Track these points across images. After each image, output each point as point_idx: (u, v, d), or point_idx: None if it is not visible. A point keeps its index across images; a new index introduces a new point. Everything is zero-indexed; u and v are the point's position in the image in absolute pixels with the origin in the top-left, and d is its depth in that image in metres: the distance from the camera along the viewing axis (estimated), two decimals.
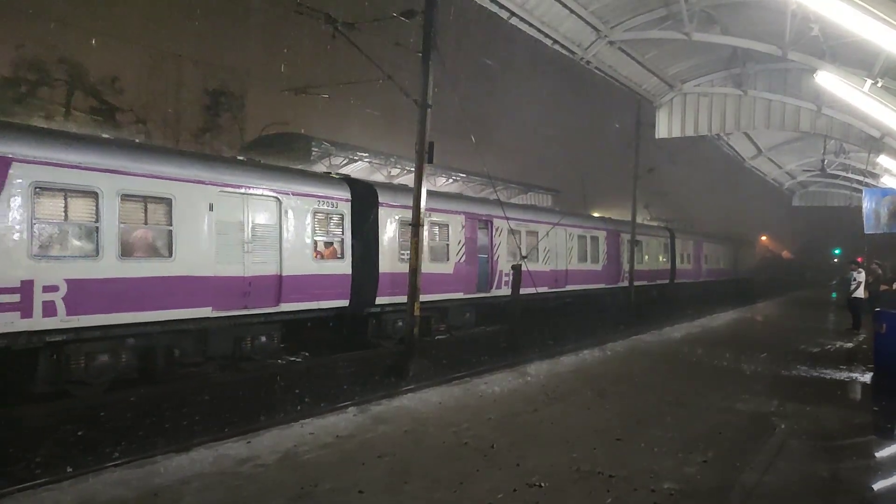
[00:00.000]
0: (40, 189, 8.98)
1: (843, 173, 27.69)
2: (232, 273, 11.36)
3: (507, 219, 16.78)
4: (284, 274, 12.23)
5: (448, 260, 16.64)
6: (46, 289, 8.93)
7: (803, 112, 18.58)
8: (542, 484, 5.66)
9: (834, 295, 36.61)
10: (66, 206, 9.32)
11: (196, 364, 11.48)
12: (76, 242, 9.50)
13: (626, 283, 25.94)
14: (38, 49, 25.60)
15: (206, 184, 11.07)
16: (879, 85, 10.74)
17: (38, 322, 8.84)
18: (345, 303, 13.55)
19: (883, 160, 18.73)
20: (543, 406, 8.61)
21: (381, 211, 14.63)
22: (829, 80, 11.52)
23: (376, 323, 14.92)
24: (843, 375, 11.77)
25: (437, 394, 9.24)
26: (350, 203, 13.87)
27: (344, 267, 13.57)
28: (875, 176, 23.81)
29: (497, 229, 18.28)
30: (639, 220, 27.51)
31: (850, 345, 15.83)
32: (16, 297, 8.61)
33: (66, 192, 9.29)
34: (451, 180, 28.45)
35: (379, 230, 14.59)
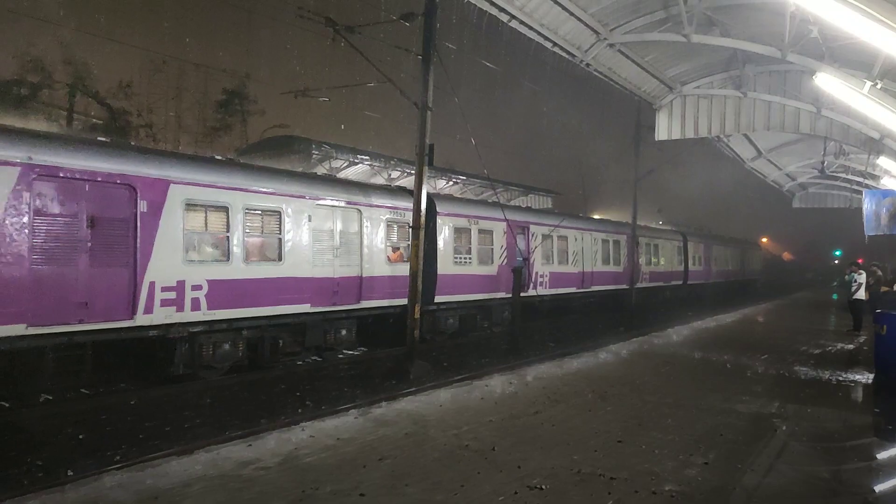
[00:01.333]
0: (189, 205, 10.80)
1: (843, 175, 27.68)
2: (325, 275, 13.06)
3: (542, 225, 19.42)
4: (364, 275, 13.90)
5: (493, 263, 18.08)
6: (194, 287, 10.75)
7: (803, 114, 18.59)
8: (544, 486, 5.67)
9: (835, 296, 36.62)
10: (206, 219, 11.16)
11: (294, 353, 13.14)
12: (213, 249, 11.34)
13: (644, 284, 27.00)
14: (40, 51, 25.69)
15: (306, 198, 12.79)
16: (879, 86, 10.75)
17: (188, 315, 10.65)
18: (389, 302, 14.62)
19: (883, 161, 18.74)
20: (544, 408, 8.62)
21: (439, 219, 16.13)
22: (828, 82, 11.54)
23: (431, 320, 16.05)
24: (843, 377, 11.77)
25: (437, 396, 9.24)
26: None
27: (404, 270, 14.41)
28: (875, 177, 23.82)
29: (533, 235, 19.90)
30: (652, 224, 28.34)
31: (850, 346, 15.83)
32: (172, 294, 10.42)
33: (207, 207, 11.13)
34: (451, 182, 28.45)
35: (437, 236, 16.08)
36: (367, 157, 24.08)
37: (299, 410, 9.48)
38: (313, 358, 13.61)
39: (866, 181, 24.51)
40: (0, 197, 8.62)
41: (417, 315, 12.47)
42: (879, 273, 22.22)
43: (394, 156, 25.10)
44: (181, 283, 10.53)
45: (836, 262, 62.46)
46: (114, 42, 34.65)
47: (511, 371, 11.30)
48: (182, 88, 32.25)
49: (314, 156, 22.24)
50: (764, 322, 22.41)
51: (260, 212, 11.97)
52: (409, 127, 13.06)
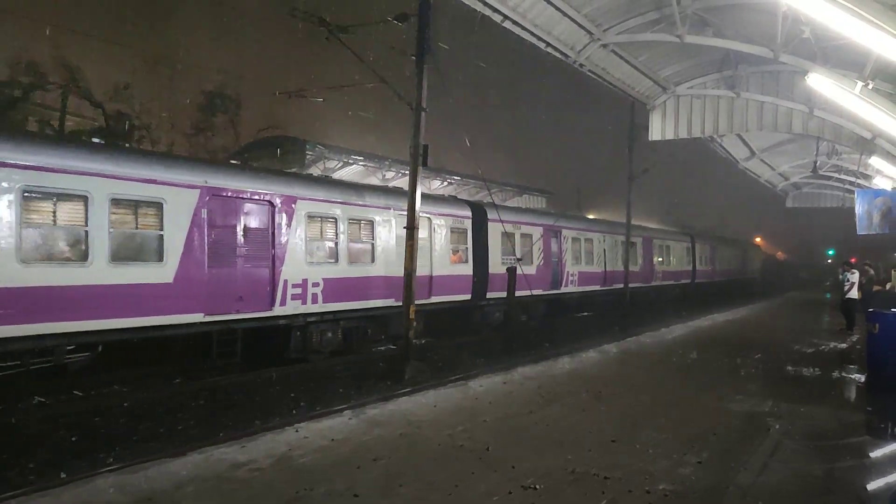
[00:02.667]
0: (309, 216, 12.90)
1: (836, 174, 27.84)
2: (401, 274, 14.10)
3: (572, 229, 22.04)
4: (434, 274, 15.92)
5: (532, 263, 19.98)
6: (314, 284, 12.86)
7: (795, 114, 18.69)
8: (538, 486, 5.67)
9: (828, 295, 36.79)
10: (321, 228, 13.33)
11: (377, 341, 15.18)
12: (325, 252, 13.39)
13: (657, 283, 29.26)
14: (33, 52, 25.55)
15: (392, 210, 14.77)
16: (870, 87, 10.79)
17: (309, 307, 12.78)
18: (468, 297, 17.21)
19: (875, 161, 18.83)
20: (538, 408, 8.62)
21: (490, 225, 17.97)
22: (820, 83, 11.57)
23: (481, 313, 18.10)
24: (836, 375, 11.83)
25: (432, 397, 9.24)
26: (471, 220, 17.56)
27: (468, 269, 17.25)
28: (867, 177, 23.96)
29: (564, 238, 21.98)
30: (661, 226, 30.77)
31: (843, 345, 15.90)
32: (299, 290, 12.55)
33: (322, 218, 13.30)
34: (445, 183, 28.47)
35: (488, 240, 18.01)
36: (360, 158, 24.07)
37: (293, 411, 9.46)
38: (389, 346, 15.51)
39: (859, 181, 24.65)
40: (188, 211, 10.79)
41: (412, 316, 12.46)
42: (871, 272, 22.34)
43: (388, 156, 25.09)
44: (305, 281, 12.68)
45: (830, 261, 62.76)
46: (107, 43, 34.46)
47: (506, 371, 11.30)
48: (175, 89, 32.14)
49: (308, 156, 22.21)
50: (757, 321, 22.48)
51: (359, 221, 14.11)
52: (404, 127, 13.08)
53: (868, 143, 17.85)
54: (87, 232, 9.56)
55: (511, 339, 15.82)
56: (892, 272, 24.93)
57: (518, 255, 18.40)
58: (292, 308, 12.45)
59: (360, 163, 24.04)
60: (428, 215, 15.49)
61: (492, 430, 7.48)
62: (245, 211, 11.82)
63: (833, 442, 7.50)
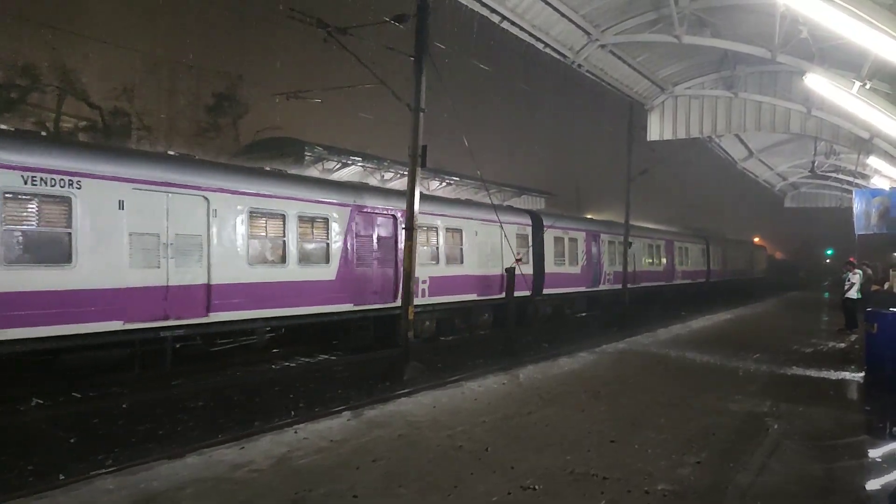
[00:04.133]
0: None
1: (834, 174, 27.87)
2: (484, 272, 18.08)
3: (609, 233, 25.09)
4: (504, 273, 18.18)
5: (577, 264, 22.95)
6: (423, 281, 15.42)
7: (793, 114, 18.70)
8: (537, 486, 5.67)
9: (826, 295, 36.84)
10: (427, 235, 16.06)
11: (461, 329, 17.74)
12: (430, 255, 16.18)
13: (679, 281, 31.85)
14: (30, 54, 25.54)
15: (474, 220, 17.83)
16: (868, 87, 10.80)
17: (419, 300, 14.79)
18: (528, 293, 19.62)
19: (873, 161, 18.85)
20: (538, 408, 8.63)
21: (546, 232, 20.93)
22: (818, 83, 11.59)
23: (534, 308, 20.71)
24: (835, 375, 11.84)
25: (431, 397, 9.24)
26: (531, 227, 20.53)
27: (528, 269, 19.47)
28: (865, 177, 23.99)
29: (602, 241, 24.76)
30: (675, 228, 33.96)
31: (842, 345, 15.92)
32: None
33: (428, 228, 16.02)
34: (444, 183, 28.47)
35: (544, 244, 20.76)
36: (359, 159, 24.07)
37: (292, 412, 9.44)
38: (466, 335, 17.88)
39: (857, 181, 24.68)
40: (343, 225, 13.82)
41: (411, 316, 12.45)
42: (869, 272, 22.35)
43: (387, 157, 25.10)
44: (416, 279, 14.05)
45: (828, 261, 62.81)
46: (107, 44, 34.44)
47: (505, 372, 11.31)
48: (175, 90, 32.16)
49: (307, 157, 22.21)
50: (757, 321, 22.51)
51: (452, 229, 17.00)
52: (403, 128, 13.16)
53: (866, 143, 17.87)
54: (285, 242, 12.59)
55: (556, 330, 15.99)
56: (891, 272, 24.96)
57: (563, 257, 21.86)
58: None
59: (359, 163, 24.04)
60: (501, 224, 17.60)
61: (491, 430, 7.48)
62: (378, 223, 14.73)
63: (832, 442, 7.51)
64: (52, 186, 9.19)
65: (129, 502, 5.29)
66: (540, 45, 14.99)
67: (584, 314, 24.15)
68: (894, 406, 9.73)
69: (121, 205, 9.94)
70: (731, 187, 46.50)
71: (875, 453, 7.40)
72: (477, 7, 13.02)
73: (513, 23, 13.74)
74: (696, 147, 25.53)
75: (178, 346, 11.07)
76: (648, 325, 19.43)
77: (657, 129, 20.69)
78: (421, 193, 14.77)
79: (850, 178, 25.77)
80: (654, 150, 24.17)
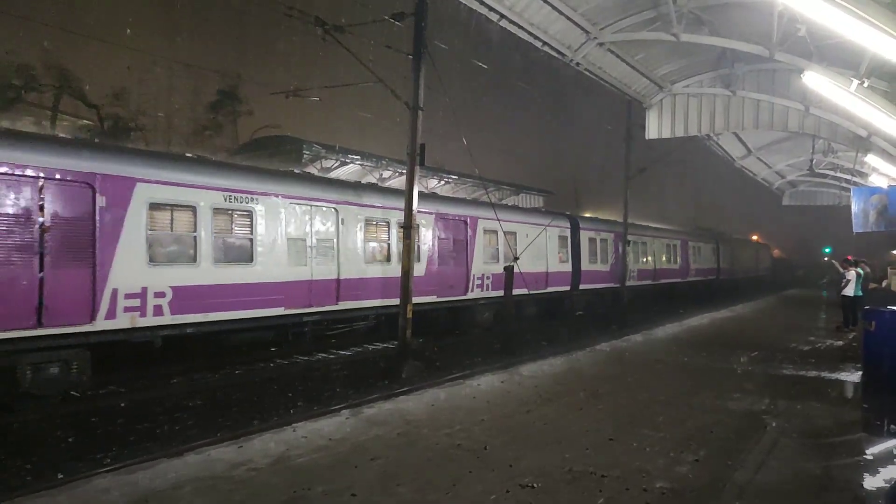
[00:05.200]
0: (484, 230, 18.08)
1: (832, 172, 27.90)
2: (532, 270, 19.62)
3: (633, 234, 26.63)
4: (549, 271, 21.26)
5: (607, 262, 25.38)
6: (487, 278, 18.17)
7: (791, 112, 18.72)
8: (535, 485, 5.68)
9: (825, 293, 36.90)
10: (489, 238, 18.52)
11: (524, 318, 19.69)
12: (492, 256, 18.66)
13: (692, 278, 34.00)
14: (27, 53, 25.48)
15: (524, 223, 20.30)
16: (866, 85, 10.81)
17: (483, 293, 18.02)
18: (568, 288, 22.44)
19: (871, 159, 18.86)
20: (536, 407, 8.64)
21: (581, 233, 23.47)
22: (816, 81, 11.59)
23: (571, 302, 23.01)
24: (833, 373, 11.85)
25: (430, 396, 9.25)
26: (570, 230, 22.90)
27: (568, 267, 22.52)
28: (863, 175, 24.01)
29: (630, 242, 26.26)
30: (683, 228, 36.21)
31: (840, 343, 15.95)
32: (479, 282, 17.88)
33: (489, 231, 18.29)
34: (442, 182, 28.46)
35: (580, 244, 23.28)
36: (357, 157, 24.05)
37: (291, 411, 9.44)
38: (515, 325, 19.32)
39: (854, 179, 24.69)
40: (429, 229, 16.24)
41: (410, 314, 12.46)
42: (868, 270, 22.37)
43: (385, 155, 25.07)
44: (483, 275, 17.96)
45: (826, 258, 62.86)
46: (102, 42, 34.36)
47: (503, 370, 11.32)
48: (172, 89, 32.10)
49: (305, 156, 22.20)
50: (755, 319, 22.54)
51: (508, 233, 18.81)
52: (401, 126, 13.22)
53: (864, 141, 17.88)
54: (389, 244, 15.16)
55: (509, 339, 15.86)
56: (889, 270, 25.00)
57: (596, 256, 24.38)
58: (476, 294, 17.87)
59: (358, 162, 24.01)
60: (544, 226, 20.65)
61: (489, 429, 7.49)
62: (451, 228, 17.12)
63: (830, 439, 7.52)
64: (242, 203, 11.80)
65: (127, 501, 5.28)
66: (538, 44, 14.99)
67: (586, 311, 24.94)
68: (892, 404, 9.75)
69: (282, 216, 12.54)
70: (729, 185, 46.85)
71: (872, 451, 7.42)
72: (475, 5, 13.01)
73: (511, 21, 13.74)
74: (694, 145, 25.56)
75: (305, 329, 13.41)
76: (647, 323, 19.46)
77: (655, 127, 20.71)
78: (483, 202, 19.10)
79: (848, 177, 25.79)
80: (653, 147, 24.23)
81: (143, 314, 10.15)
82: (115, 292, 9.74)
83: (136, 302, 10.05)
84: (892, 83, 11.99)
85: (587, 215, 28.70)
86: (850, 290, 18.06)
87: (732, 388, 10.16)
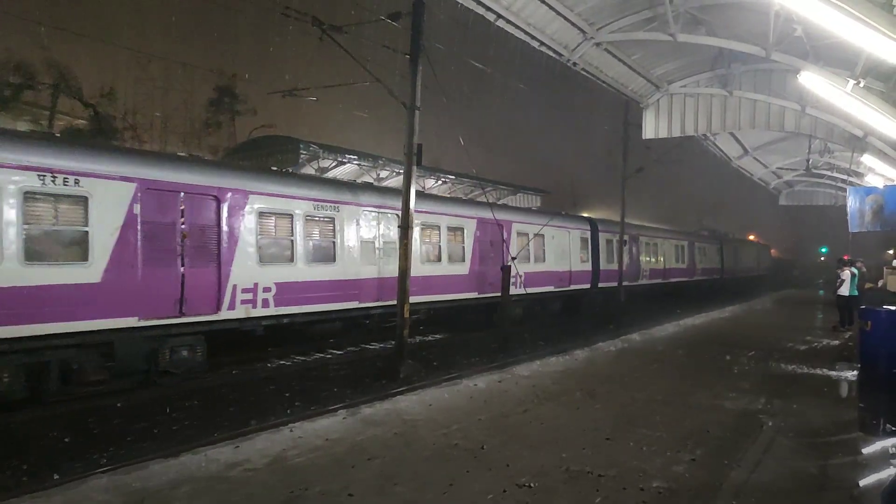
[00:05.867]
0: (517, 234, 19.82)
1: (828, 172, 27.95)
2: (557, 269, 22.04)
3: (646, 236, 29.36)
4: (572, 270, 22.97)
5: (632, 261, 27.46)
6: (520, 276, 19.13)
7: (788, 112, 18.75)
8: (532, 484, 5.68)
9: (821, 292, 36.99)
10: (522, 240, 19.92)
11: (548, 313, 21.75)
12: (524, 256, 19.86)
13: (699, 277, 35.46)
14: (24, 52, 25.39)
15: (550, 226, 21.55)
16: (862, 85, 10.83)
17: (516, 291, 18.37)
18: (588, 286, 24.02)
19: (867, 159, 18.90)
20: (533, 406, 8.64)
21: (600, 235, 25.14)
22: (812, 81, 11.61)
23: (588, 299, 24.32)
24: (829, 373, 11.88)
25: (427, 395, 9.24)
26: (590, 232, 24.59)
27: (588, 266, 24.30)
28: (859, 175, 24.07)
29: (641, 243, 28.92)
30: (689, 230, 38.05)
31: (836, 342, 15.99)
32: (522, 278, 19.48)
33: (521, 234, 20.00)
34: (439, 182, 28.43)
35: (599, 245, 24.97)
36: (355, 157, 24.01)
37: (288, 411, 9.44)
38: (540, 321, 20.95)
39: (851, 178, 24.76)
40: (472, 233, 17.81)
41: (407, 314, 12.45)
42: (864, 269, 22.42)
43: (382, 155, 25.03)
44: (515, 275, 18.76)
45: (823, 258, 63.03)
46: (99, 42, 34.28)
47: (500, 370, 11.32)
48: (168, 88, 32.03)
49: (302, 156, 22.15)
50: (752, 318, 22.58)
51: (538, 235, 20.67)
52: (397, 126, 13.27)
53: (860, 141, 17.92)
54: (440, 246, 16.54)
55: (506, 339, 15.87)
56: (884, 269, 25.06)
57: (612, 256, 25.85)
58: (510, 291, 18.22)
59: (355, 162, 23.97)
60: (569, 229, 22.71)
61: (487, 428, 7.49)
62: (490, 231, 18.38)
63: (826, 439, 7.54)
64: (327, 211, 13.42)
65: (123, 502, 5.27)
66: (535, 44, 14.98)
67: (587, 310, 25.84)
68: (888, 403, 9.78)
69: (357, 221, 14.16)
70: (726, 185, 47.02)
71: (868, 450, 7.44)
72: (472, 5, 13.00)
73: (508, 21, 13.73)
74: (691, 145, 25.60)
75: (367, 321, 14.98)
76: (644, 323, 19.47)
77: (652, 127, 20.73)
78: (516, 208, 21.53)
79: (845, 176, 25.86)
80: (650, 147, 24.27)
81: (255, 306, 11.90)
82: (234, 287, 11.53)
83: (250, 295, 11.84)
84: (888, 83, 12.01)
85: (603, 218, 29.48)
86: (845, 290, 18.11)
87: (729, 387, 10.18)
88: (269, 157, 22.36)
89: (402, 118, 12.63)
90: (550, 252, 21.60)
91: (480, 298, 18.00)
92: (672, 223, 39.17)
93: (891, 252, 33.99)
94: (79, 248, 9.49)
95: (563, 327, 19.61)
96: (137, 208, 10.07)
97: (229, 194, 11.51)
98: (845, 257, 19.23)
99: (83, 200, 9.51)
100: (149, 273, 10.17)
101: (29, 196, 8.97)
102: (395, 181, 22.77)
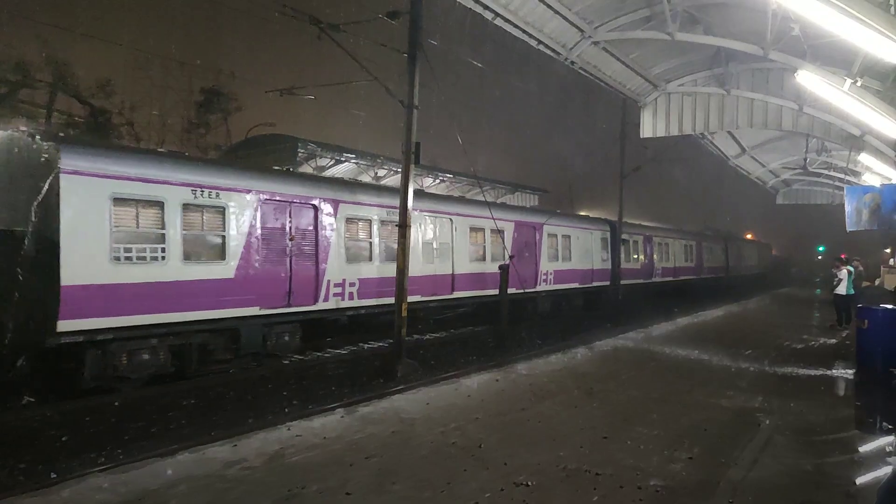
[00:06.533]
0: (548, 235, 21.65)
1: (826, 171, 28.00)
2: (581, 267, 23.83)
3: (659, 236, 31.30)
4: (594, 268, 24.79)
5: (638, 261, 28.96)
6: (550, 273, 21.54)
7: (785, 111, 18.78)
8: (530, 483, 5.69)
9: (818, 291, 37.07)
10: (554, 241, 22.04)
11: (573, 308, 23.30)
12: (555, 256, 22.01)
13: (706, 276, 37.03)
14: (21, 49, 25.29)
15: (576, 228, 23.88)
16: (859, 84, 10.85)
17: (545, 287, 21.39)
18: (607, 283, 25.62)
19: (864, 158, 18.95)
20: (531, 405, 8.65)
21: (624, 236, 26.76)
22: (809, 80, 11.62)
23: (605, 296, 25.66)
24: (826, 371, 11.91)
25: (424, 394, 9.24)
26: (609, 233, 26.16)
27: (609, 265, 25.85)
28: (856, 174, 24.12)
29: (655, 243, 30.72)
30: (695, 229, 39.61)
31: (833, 341, 16.02)
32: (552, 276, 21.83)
33: (552, 235, 21.93)
34: (438, 181, 28.45)
35: (619, 245, 26.28)
36: (352, 156, 24.00)
37: (286, 409, 9.44)
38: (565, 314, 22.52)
39: (848, 177, 24.80)
40: (510, 234, 19.49)
41: (405, 313, 12.43)
42: (861, 268, 22.48)
43: (380, 154, 25.04)
44: (546, 272, 21.59)
45: (820, 257, 63.23)
46: (96, 39, 34.21)
47: (498, 368, 11.32)
48: (165, 86, 31.96)
49: (299, 154, 22.15)
50: (748, 317, 22.62)
51: (565, 236, 22.88)
52: (396, 125, 13.29)
53: (857, 140, 17.96)
54: (485, 246, 18.58)
55: (503, 337, 15.89)
56: (881, 268, 25.12)
57: (634, 256, 28.07)
58: (542, 287, 21.37)
59: (352, 160, 23.98)
60: (591, 230, 24.77)
61: (484, 427, 7.50)
62: (525, 232, 20.38)
63: (823, 437, 7.56)
64: (395, 216, 13.74)
65: (121, 500, 5.27)
66: (533, 42, 14.99)
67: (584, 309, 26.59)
68: (884, 401, 9.82)
69: (419, 225, 15.94)
70: (723, 184, 47.24)
71: (865, 448, 7.47)
72: (470, 4, 13.00)
73: (506, 20, 13.74)
74: (688, 144, 25.64)
75: (422, 313, 16.44)
76: (641, 321, 19.50)
77: (650, 125, 20.76)
78: (548, 210, 22.76)
79: (842, 175, 25.89)
80: (647, 146, 24.33)
81: (343, 298, 13.83)
82: (328, 282, 13.44)
83: (339, 289, 13.75)
84: (885, 82, 12.03)
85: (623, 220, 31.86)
86: (842, 289, 18.15)
87: (726, 385, 10.20)
88: (267, 155, 22.35)
89: (401, 117, 12.62)
90: (575, 252, 23.39)
91: (519, 294, 19.36)
92: (669, 222, 39.30)
93: (888, 251, 34.09)
94: (218, 249, 11.42)
95: (562, 326, 19.59)
96: (258, 216, 12.02)
97: (324, 204, 13.51)
98: (842, 256, 19.27)
99: (221, 210, 11.44)
100: (267, 270, 12.14)
101: (185, 207, 10.84)
102: (393, 180, 22.75)
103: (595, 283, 24.71)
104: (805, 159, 26.10)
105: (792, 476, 6.10)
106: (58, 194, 9.16)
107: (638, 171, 26.14)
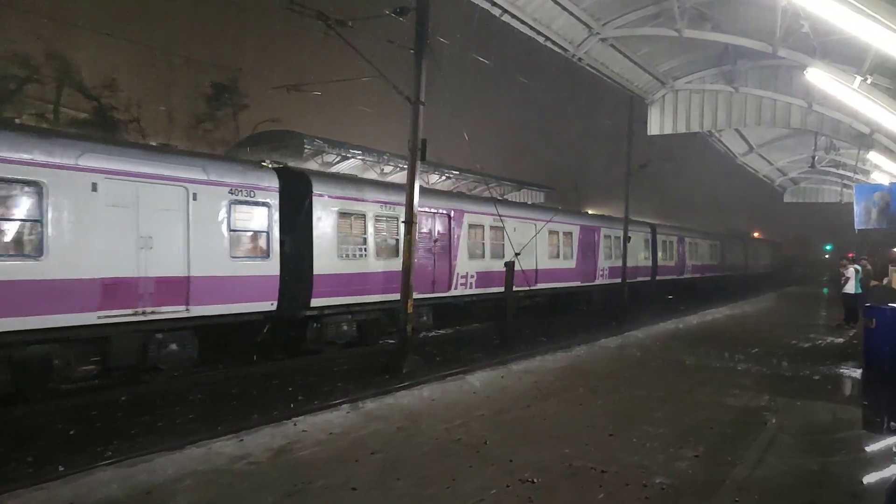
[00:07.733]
0: (604, 236, 24.94)
1: (834, 170, 27.79)
2: (630, 264, 26.17)
3: (691, 237, 34.82)
4: (638, 265, 27.93)
5: (672, 260, 32.46)
6: (605, 270, 24.75)
7: (794, 109, 18.64)
8: (535, 480, 5.69)
9: (826, 290, 36.88)
10: (607, 242, 25.10)
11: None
12: (607, 255, 25.15)
13: (727, 272, 40.41)
14: (28, 45, 25.39)
15: (630, 231, 26.22)
16: (869, 82, 10.75)
17: (600, 282, 24.66)
18: (648, 278, 29.34)
19: (873, 156, 18.79)
20: (535, 402, 8.65)
21: (658, 237, 30.71)
22: (819, 77, 11.53)
23: (648, 289, 29.21)
24: (833, 370, 11.85)
25: (429, 391, 9.26)
26: (651, 234, 29.87)
27: (649, 262, 29.58)
28: (865, 172, 23.94)
29: (685, 242, 33.87)
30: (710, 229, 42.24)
31: (840, 340, 15.95)
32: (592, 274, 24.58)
33: (610, 237, 25.38)
34: (443, 177, 28.40)
35: (657, 245, 30.34)
36: (359, 152, 23.99)
37: (291, 405, 9.47)
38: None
39: (857, 176, 24.64)
40: (577, 236, 23.28)
41: (410, 310, 12.45)
42: (869, 267, 22.35)
43: (386, 150, 25.00)
44: (603, 269, 24.88)
45: (827, 256, 62.94)
46: (103, 35, 34.28)
47: (502, 365, 11.33)
48: (172, 82, 32.05)
49: (306, 150, 22.14)
50: (756, 316, 22.54)
51: (607, 236, 25.32)
52: (403, 121, 13.26)
53: (866, 138, 17.81)
54: (557, 246, 22.10)
55: (506, 335, 15.91)
56: (890, 267, 24.97)
57: (668, 254, 31.58)
58: (600, 281, 24.84)
59: (359, 157, 23.94)
60: (636, 232, 27.19)
61: (489, 424, 7.50)
62: (588, 235, 23.75)
63: (829, 436, 7.53)
64: (498, 222, 18.03)
65: (128, 494, 5.30)
66: (540, 39, 14.91)
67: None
68: (891, 401, 9.77)
69: (514, 229, 18.95)
70: (731, 181, 46.99)
71: (871, 448, 7.44)
72: (478, 0, 12.94)
73: (513, 16, 13.66)
74: (695, 141, 25.54)
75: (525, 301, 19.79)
76: (646, 320, 19.46)
77: (657, 123, 20.63)
78: (604, 215, 25.98)
79: (851, 174, 25.70)
80: (654, 143, 24.28)
81: (467, 287, 17.52)
82: (457, 274, 17.19)
83: (464, 280, 17.39)
84: (895, 80, 11.93)
85: (661, 223, 34.79)
86: (850, 288, 18.05)
87: (732, 384, 10.17)
88: (273, 151, 22.34)
89: (408, 113, 12.62)
90: (612, 252, 25.76)
91: (582, 286, 23.59)
92: (674, 220, 39.38)
93: None
94: (394, 248, 14.99)
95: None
96: (424, 225, 15.95)
97: (455, 213, 17.36)
98: (850, 255, 19.16)
99: (395, 219, 14.93)
100: (421, 265, 15.21)
101: (377, 218, 14.76)
102: (399, 176, 22.73)
103: (639, 279, 28.13)
104: (813, 157, 25.90)
105: (797, 476, 6.08)
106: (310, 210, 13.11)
107: (645, 169, 26.10)
